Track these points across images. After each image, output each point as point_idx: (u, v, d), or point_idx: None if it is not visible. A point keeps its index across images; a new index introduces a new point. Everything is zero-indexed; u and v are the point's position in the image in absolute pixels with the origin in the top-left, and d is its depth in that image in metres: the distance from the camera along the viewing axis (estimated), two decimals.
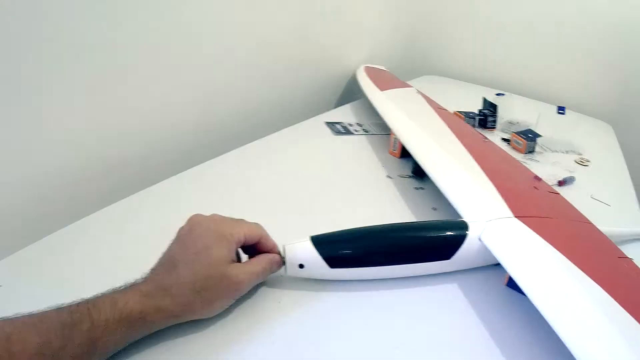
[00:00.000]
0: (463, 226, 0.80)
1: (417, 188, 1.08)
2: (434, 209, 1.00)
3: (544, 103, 1.87)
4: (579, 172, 1.27)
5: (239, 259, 0.70)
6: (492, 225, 0.81)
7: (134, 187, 0.96)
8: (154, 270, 0.62)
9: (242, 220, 0.71)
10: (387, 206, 1.01)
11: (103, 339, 0.54)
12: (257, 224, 0.72)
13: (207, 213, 0.70)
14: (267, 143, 1.23)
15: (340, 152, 1.24)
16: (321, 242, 0.73)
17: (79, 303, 0.55)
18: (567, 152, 1.42)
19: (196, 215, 0.69)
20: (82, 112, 0.96)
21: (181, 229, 0.67)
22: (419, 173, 1.11)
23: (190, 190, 0.98)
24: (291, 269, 0.73)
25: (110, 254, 0.78)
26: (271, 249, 0.72)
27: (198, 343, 0.63)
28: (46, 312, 0.53)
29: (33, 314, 0.53)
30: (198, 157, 1.09)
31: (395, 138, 1.21)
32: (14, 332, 0.50)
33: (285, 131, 1.31)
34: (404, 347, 0.66)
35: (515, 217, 0.83)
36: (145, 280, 0.60)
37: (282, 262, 0.72)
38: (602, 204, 1.14)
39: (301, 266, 0.72)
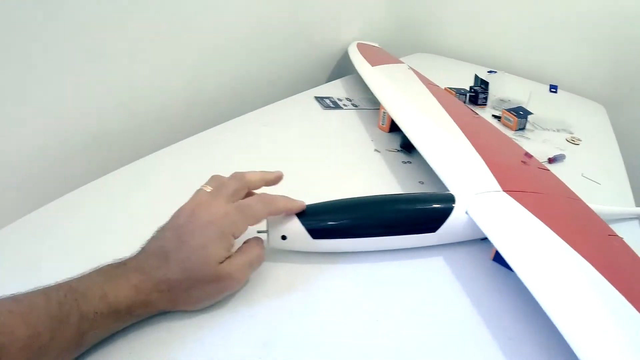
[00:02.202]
0: (450, 199, 0.79)
1: (404, 162, 1.07)
2: (421, 182, 0.99)
3: (536, 82, 1.86)
4: (569, 151, 1.27)
5: None
6: (480, 198, 0.80)
7: (125, 161, 0.94)
8: (145, 255, 0.59)
9: (248, 207, 0.65)
10: (374, 180, 0.99)
11: (91, 332, 0.52)
12: (264, 201, 0.67)
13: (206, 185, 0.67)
14: (256, 117, 1.21)
15: (328, 126, 1.23)
16: (304, 213, 0.71)
17: (67, 292, 0.52)
18: (558, 130, 1.41)
19: (200, 197, 0.65)
20: (66, 87, 0.95)
21: (183, 210, 0.63)
22: (407, 147, 1.10)
23: (179, 163, 0.96)
24: (274, 241, 0.71)
25: (100, 229, 0.76)
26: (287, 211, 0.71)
27: (177, 318, 0.61)
28: (32, 298, 0.50)
29: (18, 299, 0.50)
30: (188, 130, 1.08)
31: (385, 112, 1.19)
32: (0, 322, 0.47)
33: (274, 105, 1.30)
34: (386, 320, 0.65)
35: (504, 191, 0.82)
36: (135, 267, 0.57)
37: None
38: (593, 182, 1.13)
39: (284, 237, 0.70)
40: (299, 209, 0.71)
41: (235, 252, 0.64)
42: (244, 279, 0.65)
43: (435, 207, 0.78)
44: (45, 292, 0.51)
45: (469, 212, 0.77)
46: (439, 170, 0.91)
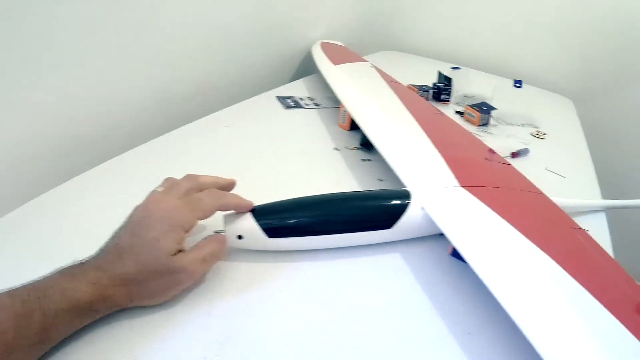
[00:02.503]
0: (405, 195, 0.78)
1: (364, 160, 1.06)
2: (380, 180, 0.98)
3: (502, 77, 1.87)
4: (534, 145, 1.27)
5: None
6: (436, 194, 0.80)
7: (92, 163, 0.94)
8: (102, 253, 0.61)
9: (197, 200, 0.67)
10: (333, 178, 0.99)
11: (54, 328, 0.53)
12: (213, 196, 0.69)
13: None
14: (218, 118, 1.20)
15: (289, 125, 1.22)
16: (260, 213, 0.72)
17: (30, 291, 0.53)
18: (523, 125, 1.41)
19: (153, 195, 0.67)
20: (33, 90, 0.93)
21: (137, 208, 0.65)
22: (366, 145, 1.09)
23: (141, 166, 0.96)
24: (230, 240, 0.71)
25: (70, 231, 0.77)
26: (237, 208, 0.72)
27: (138, 315, 0.62)
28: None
29: None
30: (151, 133, 1.07)
31: (344, 110, 1.18)
32: None
33: (236, 106, 1.29)
34: (343, 317, 0.65)
35: (462, 186, 0.82)
36: (93, 265, 0.59)
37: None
38: (558, 175, 1.13)
39: (240, 237, 0.70)
40: (247, 207, 0.72)
41: (192, 247, 0.65)
42: (197, 273, 0.66)
43: (390, 204, 0.78)
44: (10, 293, 0.53)
45: (425, 208, 0.77)
46: (396, 167, 0.90)
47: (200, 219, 0.67)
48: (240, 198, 0.72)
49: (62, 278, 0.56)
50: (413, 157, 0.93)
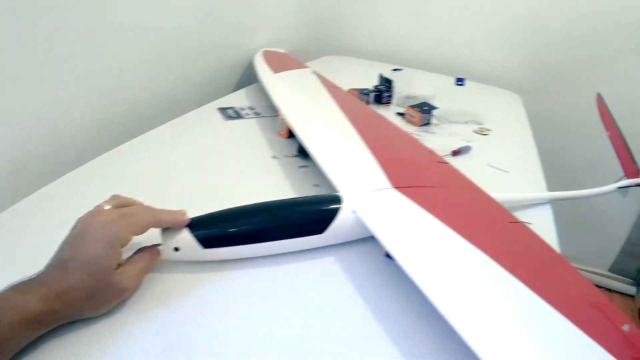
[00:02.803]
0: (336, 199, 0.79)
1: (301, 166, 1.06)
2: (317, 185, 0.98)
3: (445, 76, 1.88)
4: (477, 142, 1.28)
5: None
6: (368, 197, 0.80)
7: (33, 186, 0.93)
8: (48, 269, 0.63)
9: (130, 215, 0.67)
10: (271, 186, 0.99)
11: (8, 341, 0.56)
12: (148, 212, 0.70)
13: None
14: (159, 132, 1.20)
15: (229, 136, 1.22)
16: (194, 224, 0.72)
17: None
18: (466, 122, 1.41)
19: (95, 209, 0.67)
20: None
21: (77, 221, 0.66)
22: (303, 152, 1.09)
23: (83, 185, 0.95)
24: (167, 253, 0.71)
25: (14, 252, 0.77)
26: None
27: (79, 329, 0.63)
28: None
29: None
30: (93, 151, 1.06)
31: (282, 119, 1.18)
32: None
33: (176, 120, 1.28)
34: (279, 322, 0.66)
35: (394, 188, 0.83)
36: (41, 280, 0.61)
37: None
38: (501, 171, 1.13)
39: (177, 249, 0.71)
40: (182, 223, 0.72)
41: (128, 259, 0.68)
42: (137, 285, 0.68)
43: (321, 209, 0.78)
44: None
45: (356, 211, 0.77)
46: (329, 172, 0.90)
47: (136, 235, 0.67)
48: (175, 214, 0.72)
49: (13, 294, 0.58)
50: (346, 162, 0.93)
